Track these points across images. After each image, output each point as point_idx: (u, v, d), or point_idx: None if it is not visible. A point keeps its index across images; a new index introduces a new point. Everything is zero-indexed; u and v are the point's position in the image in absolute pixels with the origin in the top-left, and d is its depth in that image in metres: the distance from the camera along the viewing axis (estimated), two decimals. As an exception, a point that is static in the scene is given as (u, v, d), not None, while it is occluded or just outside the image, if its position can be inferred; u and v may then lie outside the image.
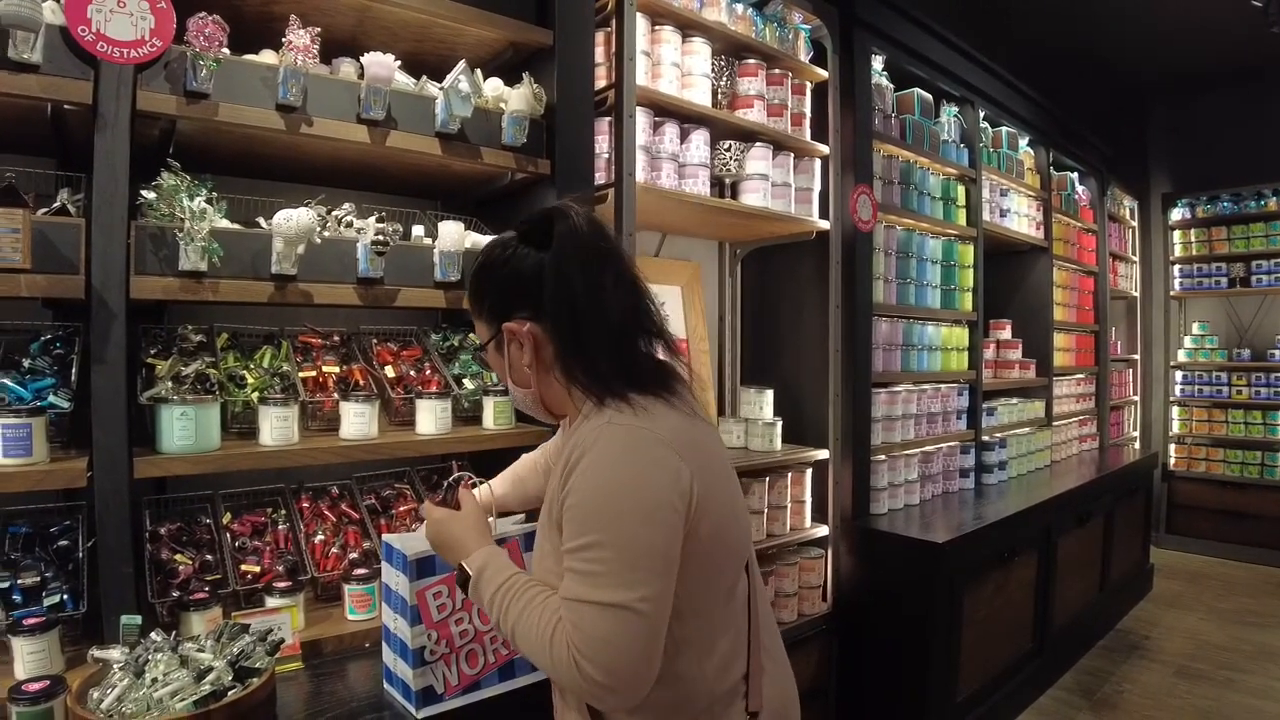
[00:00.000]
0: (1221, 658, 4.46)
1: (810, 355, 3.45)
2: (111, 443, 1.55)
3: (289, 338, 2.15)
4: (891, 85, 3.81)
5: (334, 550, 2.07)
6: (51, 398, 1.62)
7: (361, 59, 1.85)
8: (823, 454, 3.33)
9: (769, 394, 3.38)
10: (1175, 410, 6.66)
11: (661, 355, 1.28)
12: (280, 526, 2.07)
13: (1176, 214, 6.66)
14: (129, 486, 1.57)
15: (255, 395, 1.87)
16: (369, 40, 2.12)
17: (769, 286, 3.68)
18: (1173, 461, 6.52)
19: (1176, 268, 6.64)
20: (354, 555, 2.08)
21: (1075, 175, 5.57)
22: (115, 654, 1.43)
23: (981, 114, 4.37)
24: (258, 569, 1.91)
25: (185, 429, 1.66)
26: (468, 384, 2.29)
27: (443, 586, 1.58)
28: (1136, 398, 6.68)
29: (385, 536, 1.67)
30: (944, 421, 4.08)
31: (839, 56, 3.36)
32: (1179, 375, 6.65)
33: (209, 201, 1.62)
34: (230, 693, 1.36)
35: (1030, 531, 3.87)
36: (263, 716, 1.40)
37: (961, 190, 4.28)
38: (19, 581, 1.63)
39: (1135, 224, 6.72)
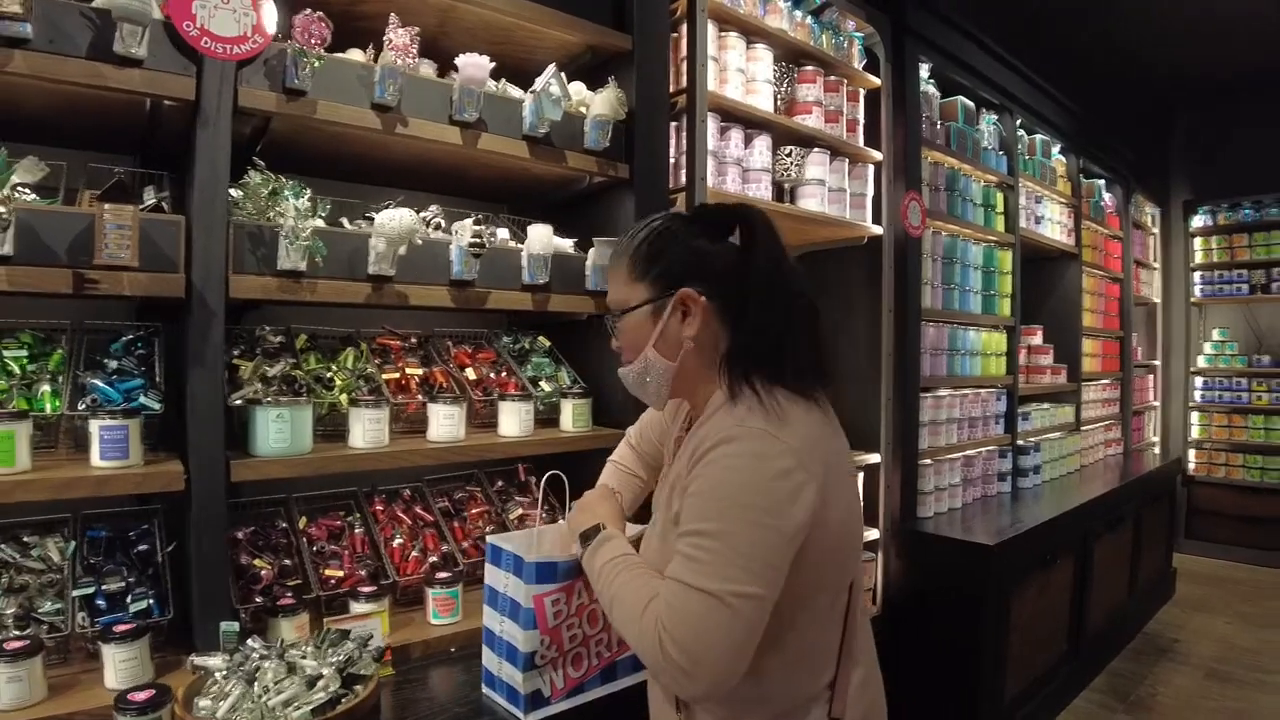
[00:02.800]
0: (1250, 660, 4.33)
1: (861, 360, 3.35)
2: (209, 445, 1.46)
3: (365, 339, 2.06)
4: (938, 93, 3.71)
5: (414, 554, 1.97)
6: (142, 399, 1.52)
7: (457, 60, 1.76)
8: (874, 458, 3.23)
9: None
10: (1195, 415, 6.51)
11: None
12: (357, 530, 1.98)
13: (1198, 221, 6.52)
14: (225, 490, 1.48)
15: (344, 397, 1.78)
16: (449, 41, 2.03)
17: (819, 291, 3.58)
18: (1192, 467, 6.38)
19: (1197, 274, 6.50)
20: (434, 559, 1.98)
21: (1102, 183, 5.46)
22: (216, 661, 1.34)
23: (1018, 121, 4.26)
24: (341, 573, 1.82)
25: (281, 431, 1.56)
26: (544, 386, 2.19)
27: (561, 594, 1.48)
28: (1157, 403, 6.54)
29: (491, 538, 1.58)
30: (984, 426, 3.98)
31: (891, 64, 3.26)
32: (1199, 381, 6.51)
33: (311, 201, 1.53)
34: (342, 700, 1.27)
35: (1069, 535, 3.76)
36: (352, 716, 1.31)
37: (1000, 197, 4.17)
38: (104, 587, 1.54)
39: (1157, 231, 6.59)
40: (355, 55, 1.77)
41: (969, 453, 3.85)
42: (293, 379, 1.73)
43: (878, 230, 3.23)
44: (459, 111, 1.77)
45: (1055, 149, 4.82)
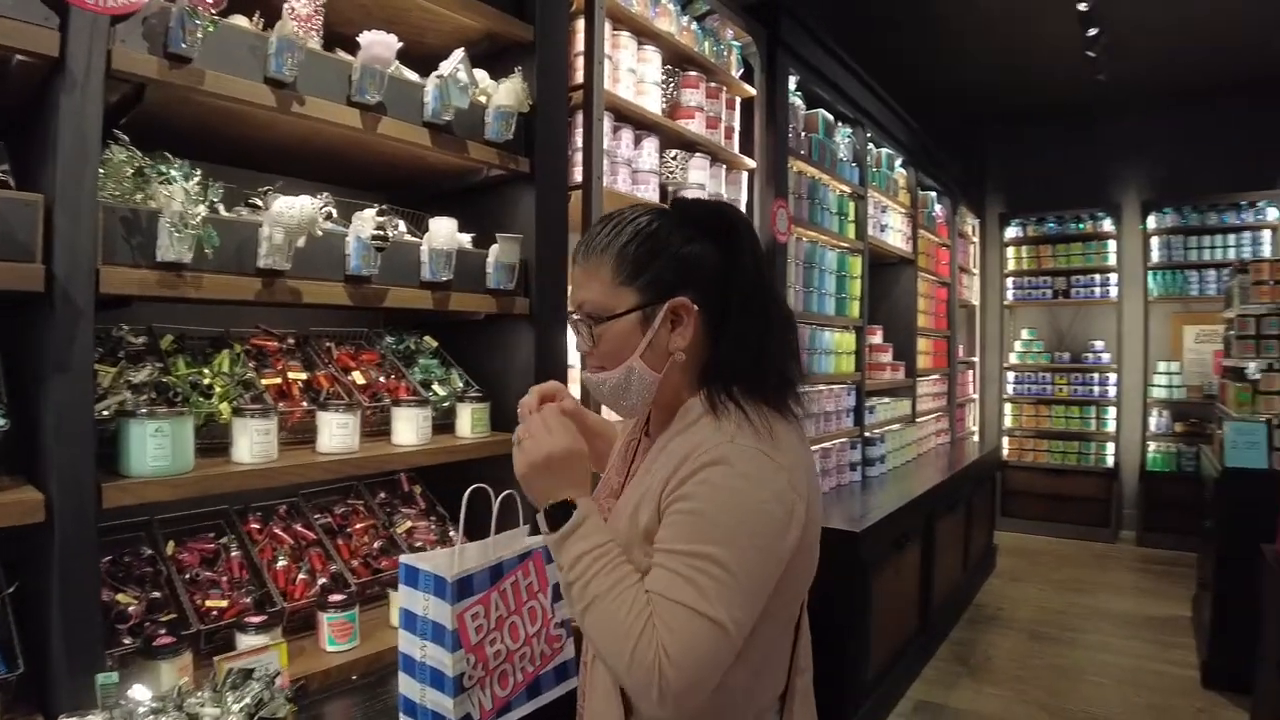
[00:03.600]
0: (1063, 621, 4.74)
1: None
2: (76, 467, 1.21)
3: (238, 340, 1.82)
4: (802, 105, 3.80)
5: (300, 576, 1.76)
6: (-17, 415, 1.25)
7: (360, 37, 1.57)
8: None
9: (698, 396, 3.26)
10: (1008, 406, 7.08)
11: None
12: (233, 553, 1.74)
13: (1010, 232, 7.08)
14: (95, 518, 1.24)
15: (224, 406, 1.55)
16: (338, 19, 1.82)
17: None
18: (1006, 452, 6.92)
19: (1010, 280, 7.06)
20: (323, 580, 1.78)
21: (934, 195, 5.80)
22: (96, 720, 1.12)
23: (868, 135, 4.45)
24: (223, 603, 1.59)
25: (160, 447, 1.33)
26: (437, 389, 2.03)
27: (480, 607, 1.36)
28: (976, 395, 7.06)
29: (404, 559, 1.42)
30: (837, 419, 4.13)
31: (765, 74, 3.30)
32: (1010, 375, 7.07)
33: (201, 185, 1.31)
34: (255, 754, 1.09)
35: (917, 519, 3.96)
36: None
37: (852, 206, 4.33)
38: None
39: (977, 240, 7.11)
40: (240, 22, 1.55)
41: (825, 445, 3.98)
42: (164, 386, 1.49)
43: (751, 233, 3.26)
44: (359, 92, 1.58)
45: (898, 162, 5.08)
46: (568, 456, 1.09)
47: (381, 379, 1.96)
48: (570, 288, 1.20)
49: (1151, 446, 6.43)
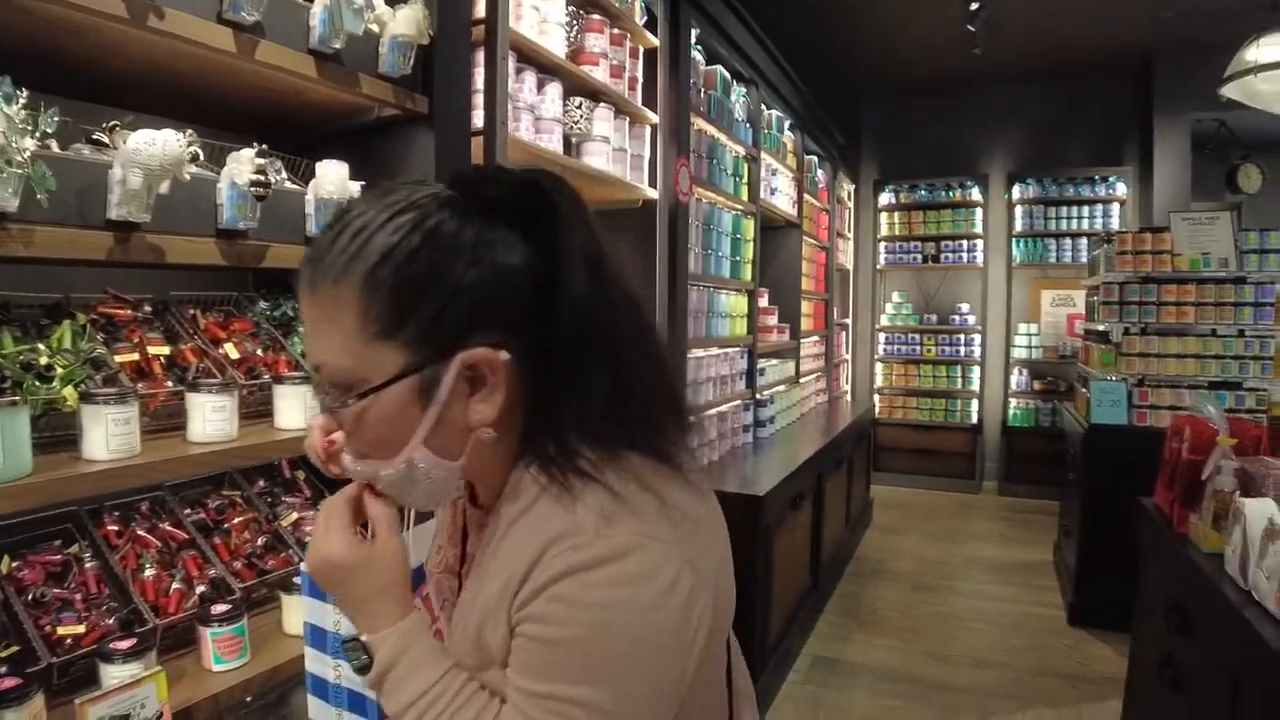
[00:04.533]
0: (939, 570, 4.92)
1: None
2: None
3: (80, 308, 1.49)
4: (702, 60, 3.63)
5: (174, 586, 1.47)
6: None
7: None
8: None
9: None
10: (879, 366, 7.28)
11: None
12: (88, 565, 1.43)
13: (884, 198, 7.20)
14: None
15: (69, 391, 1.24)
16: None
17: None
18: (877, 410, 7.12)
19: (882, 245, 7.20)
20: (202, 588, 1.50)
21: (816, 159, 5.80)
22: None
23: (761, 96, 4.34)
24: (79, 629, 1.29)
25: (-15, 446, 1.03)
26: (326, 363, 1.75)
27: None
28: (849, 356, 7.22)
29: (306, 566, 1.19)
30: (731, 383, 4.07)
31: (669, 25, 3.10)
32: (882, 337, 7.26)
33: (29, 112, 0.99)
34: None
35: (810, 478, 3.96)
36: None
37: (746, 168, 4.23)
38: None
39: (852, 205, 7.21)
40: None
41: (722, 409, 3.91)
42: (-9, 368, 1.18)
43: (654, 194, 3.09)
44: (233, 9, 1.28)
45: (786, 125, 5.02)
46: (332, 570, 0.78)
47: (259, 351, 1.67)
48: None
49: (1012, 404, 6.75)
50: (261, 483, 1.87)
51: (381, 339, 0.69)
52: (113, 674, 1.24)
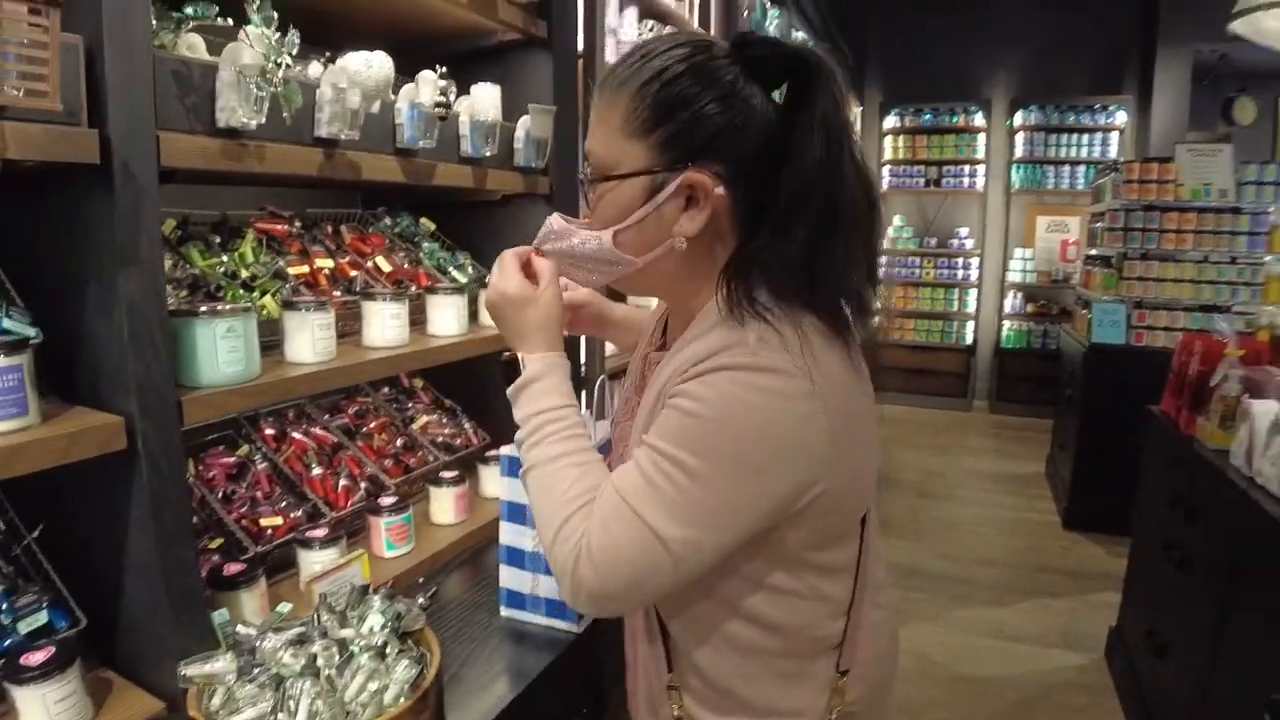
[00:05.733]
0: (941, 480, 5.16)
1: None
2: (156, 379, 0.97)
3: (238, 223, 1.52)
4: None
5: (343, 483, 1.56)
6: (7, 322, 0.97)
7: None
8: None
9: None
10: (880, 288, 7.37)
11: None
12: (259, 466, 1.52)
13: (889, 121, 7.17)
14: (180, 440, 1.02)
15: (269, 299, 1.30)
16: None
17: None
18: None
19: (886, 168, 7.22)
20: (365, 484, 1.60)
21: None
22: (221, 664, 0.94)
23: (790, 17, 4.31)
24: (278, 520, 1.39)
25: (234, 350, 1.09)
26: (456, 275, 1.81)
27: None
28: (850, 278, 7.31)
29: (507, 450, 1.31)
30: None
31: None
32: (882, 259, 7.32)
33: (281, 33, 1.02)
34: (425, 662, 0.98)
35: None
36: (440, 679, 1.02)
37: (777, 92, 4.22)
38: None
39: (858, 128, 7.18)
40: None
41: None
42: (200, 280, 1.23)
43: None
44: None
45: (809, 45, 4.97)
46: (503, 304, 0.93)
47: (405, 265, 1.72)
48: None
49: (1005, 326, 6.92)
50: (386, 389, 1.95)
51: (636, 139, 0.84)
52: (314, 559, 1.35)
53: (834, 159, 0.82)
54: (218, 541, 1.33)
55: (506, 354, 0.94)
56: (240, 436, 1.57)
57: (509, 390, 0.93)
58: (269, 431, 1.61)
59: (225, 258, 1.37)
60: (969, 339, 7.04)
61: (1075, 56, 6.54)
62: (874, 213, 0.88)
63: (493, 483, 1.84)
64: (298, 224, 1.62)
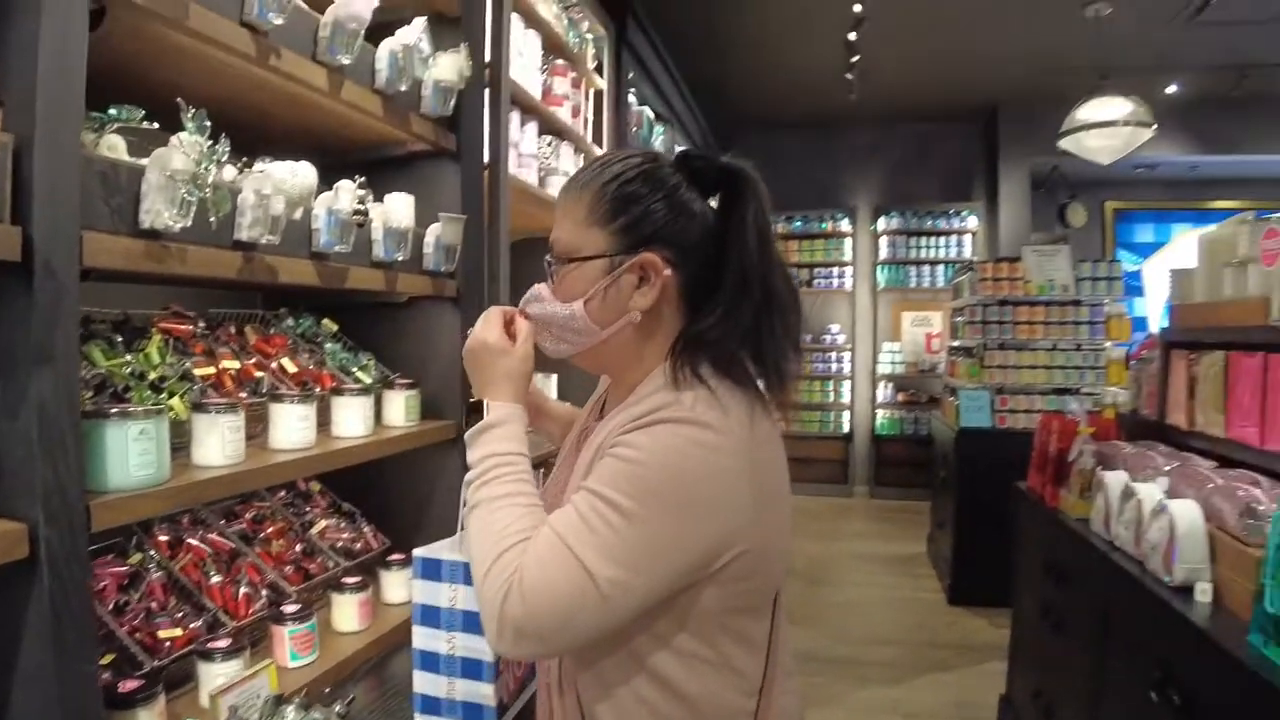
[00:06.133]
0: (830, 566, 5.29)
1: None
2: (65, 482, 0.94)
3: (140, 323, 1.49)
4: (634, 101, 3.84)
5: (244, 590, 1.50)
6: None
7: None
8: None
9: (554, 379, 3.19)
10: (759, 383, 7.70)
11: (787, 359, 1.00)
12: (154, 575, 1.44)
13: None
14: (86, 547, 0.97)
15: (178, 401, 1.27)
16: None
17: (532, 276, 3.48)
18: (761, 422, 7.52)
19: (764, 272, 7.63)
20: (266, 592, 1.54)
21: (711, 194, 6.13)
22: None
23: (674, 135, 4.61)
24: (178, 632, 1.31)
25: (146, 453, 1.06)
26: (360, 376, 1.81)
27: None
28: (736, 373, 7.60)
29: (419, 551, 1.28)
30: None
31: (613, 69, 3.30)
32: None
33: (213, 139, 1.05)
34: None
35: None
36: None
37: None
38: None
39: (737, 236, 7.61)
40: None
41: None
42: (107, 380, 1.20)
43: (599, 222, 3.26)
44: (332, 51, 1.36)
45: (691, 160, 5.33)
46: (480, 350, 1.02)
47: (312, 366, 1.71)
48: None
49: (879, 414, 7.33)
50: (283, 493, 1.89)
51: (597, 227, 0.97)
52: (217, 671, 1.28)
53: (765, 252, 0.97)
54: (109, 657, 1.24)
55: (473, 399, 1.02)
56: (131, 545, 1.49)
57: (468, 433, 1.00)
58: (163, 538, 1.53)
59: (130, 357, 1.33)
60: (845, 428, 7.40)
61: (929, 168, 7.27)
62: (796, 297, 1.02)
63: (396, 588, 1.80)
64: (201, 324, 1.60)
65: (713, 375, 0.92)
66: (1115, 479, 2.17)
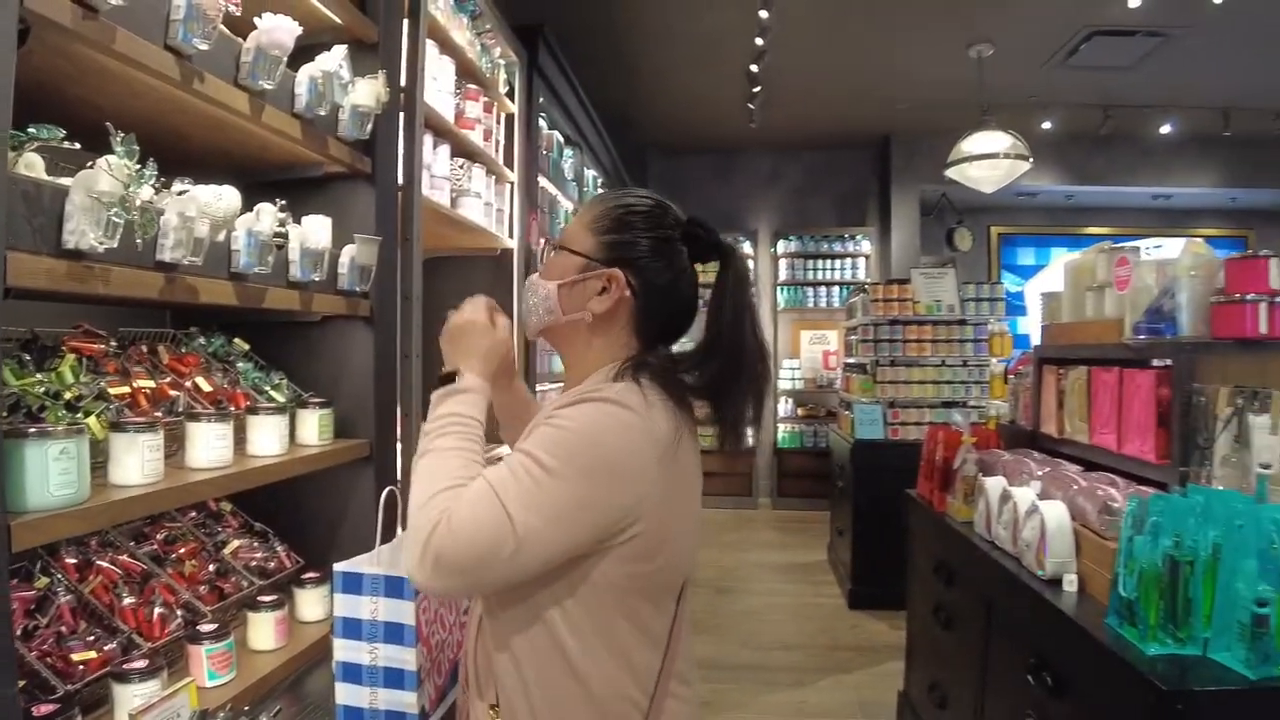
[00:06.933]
0: (736, 575, 5.45)
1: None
2: (-14, 501, 0.94)
3: (49, 341, 1.46)
4: (545, 125, 3.92)
5: (158, 611, 1.48)
6: None
7: (260, 19, 1.38)
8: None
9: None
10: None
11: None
12: (63, 598, 1.41)
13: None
14: (7, 567, 0.97)
15: (94, 421, 1.26)
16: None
17: (443, 294, 3.50)
18: (670, 438, 7.67)
19: (671, 291, 7.82)
20: (181, 612, 1.52)
21: (619, 215, 6.26)
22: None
23: (583, 158, 4.71)
24: (91, 655, 1.29)
25: (66, 472, 1.06)
26: (274, 395, 1.82)
27: (426, 601, 1.33)
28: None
29: (339, 566, 1.32)
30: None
31: (525, 93, 3.37)
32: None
33: (141, 162, 1.07)
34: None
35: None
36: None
37: (573, 220, 4.56)
38: None
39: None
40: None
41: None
42: (20, 400, 1.18)
43: (511, 243, 3.31)
44: (253, 77, 1.39)
45: (599, 183, 5.43)
46: (468, 327, 1.16)
47: (227, 385, 1.71)
48: None
49: (781, 429, 7.59)
50: (193, 514, 1.87)
51: (591, 234, 1.14)
52: (134, 692, 1.27)
53: (738, 321, 1.11)
54: (19, 682, 1.22)
55: (444, 370, 1.14)
56: (36, 569, 1.45)
57: (436, 392, 1.12)
58: (70, 561, 1.50)
59: (42, 376, 1.32)
60: (750, 441, 7.61)
61: (826, 194, 7.65)
62: (766, 361, 1.15)
63: (311, 606, 1.80)
64: (113, 343, 1.58)
65: (650, 384, 1.06)
66: (995, 484, 2.35)
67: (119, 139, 1.04)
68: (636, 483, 1.01)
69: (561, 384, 1.28)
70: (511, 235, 3.31)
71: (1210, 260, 2.08)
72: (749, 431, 1.17)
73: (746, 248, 7.70)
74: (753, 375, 1.12)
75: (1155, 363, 2.16)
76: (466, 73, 2.81)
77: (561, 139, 4.21)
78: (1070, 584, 1.88)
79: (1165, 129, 6.30)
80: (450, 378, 1.13)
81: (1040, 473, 2.31)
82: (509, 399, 1.40)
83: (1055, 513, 1.97)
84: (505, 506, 0.95)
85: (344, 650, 1.35)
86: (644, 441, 1.01)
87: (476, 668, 1.16)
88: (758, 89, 5.38)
